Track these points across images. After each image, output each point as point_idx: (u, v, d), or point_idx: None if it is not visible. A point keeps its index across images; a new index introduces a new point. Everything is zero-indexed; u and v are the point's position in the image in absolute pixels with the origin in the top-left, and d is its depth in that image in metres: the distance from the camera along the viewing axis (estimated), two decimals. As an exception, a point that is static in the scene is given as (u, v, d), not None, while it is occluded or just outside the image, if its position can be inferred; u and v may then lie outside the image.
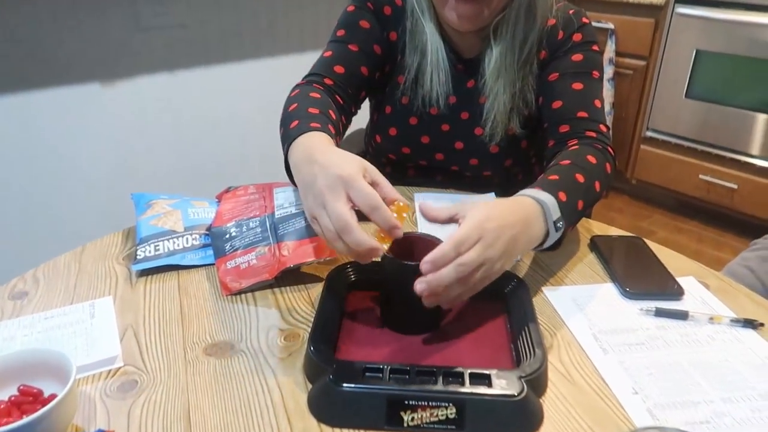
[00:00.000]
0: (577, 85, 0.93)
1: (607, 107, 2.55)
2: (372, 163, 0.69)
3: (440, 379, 0.56)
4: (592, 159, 0.83)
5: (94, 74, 1.85)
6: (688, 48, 2.35)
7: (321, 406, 0.56)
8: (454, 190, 1.02)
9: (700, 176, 2.42)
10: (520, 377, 0.56)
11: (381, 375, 0.56)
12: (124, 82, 1.91)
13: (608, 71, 2.53)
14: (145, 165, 2.04)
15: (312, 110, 0.83)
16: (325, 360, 0.59)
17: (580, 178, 0.79)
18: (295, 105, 0.86)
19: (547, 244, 0.73)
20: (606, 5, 2.52)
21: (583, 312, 0.72)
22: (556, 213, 0.71)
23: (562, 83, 0.94)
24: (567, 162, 0.82)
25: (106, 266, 0.80)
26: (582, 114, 0.91)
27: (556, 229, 0.71)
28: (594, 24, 2.50)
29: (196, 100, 2.10)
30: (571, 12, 0.97)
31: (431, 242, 0.65)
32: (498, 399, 0.55)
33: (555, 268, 0.81)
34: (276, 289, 0.75)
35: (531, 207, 0.70)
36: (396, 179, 1.09)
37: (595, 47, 0.97)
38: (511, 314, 0.68)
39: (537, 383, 0.58)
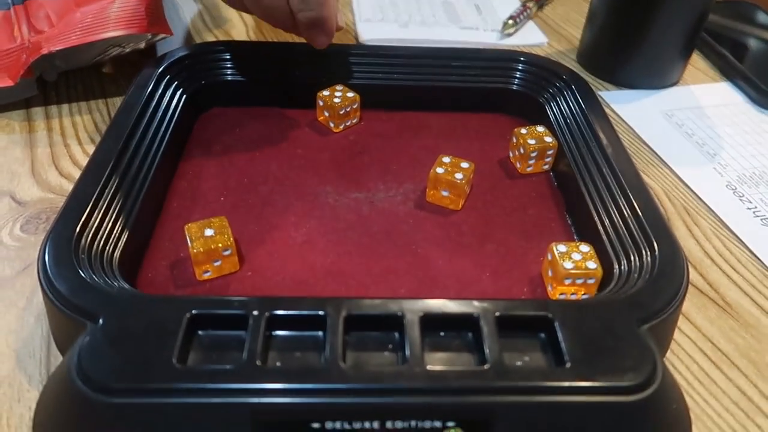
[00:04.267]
0: None
1: None
2: None
3: (412, 337, 0.19)
4: None
5: None
6: None
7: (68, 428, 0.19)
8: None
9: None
10: (639, 321, 0.20)
11: (244, 333, 0.19)
12: None
13: None
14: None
15: None
16: (90, 294, 0.20)
17: None
18: None
19: None
20: None
21: (693, 139, 0.35)
22: None
23: None
24: None
25: None
26: None
27: None
28: None
29: None
30: None
31: None
32: (596, 403, 0.18)
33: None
34: (35, 111, 0.34)
35: None
36: None
37: None
38: (564, 151, 0.31)
39: (665, 327, 0.22)
